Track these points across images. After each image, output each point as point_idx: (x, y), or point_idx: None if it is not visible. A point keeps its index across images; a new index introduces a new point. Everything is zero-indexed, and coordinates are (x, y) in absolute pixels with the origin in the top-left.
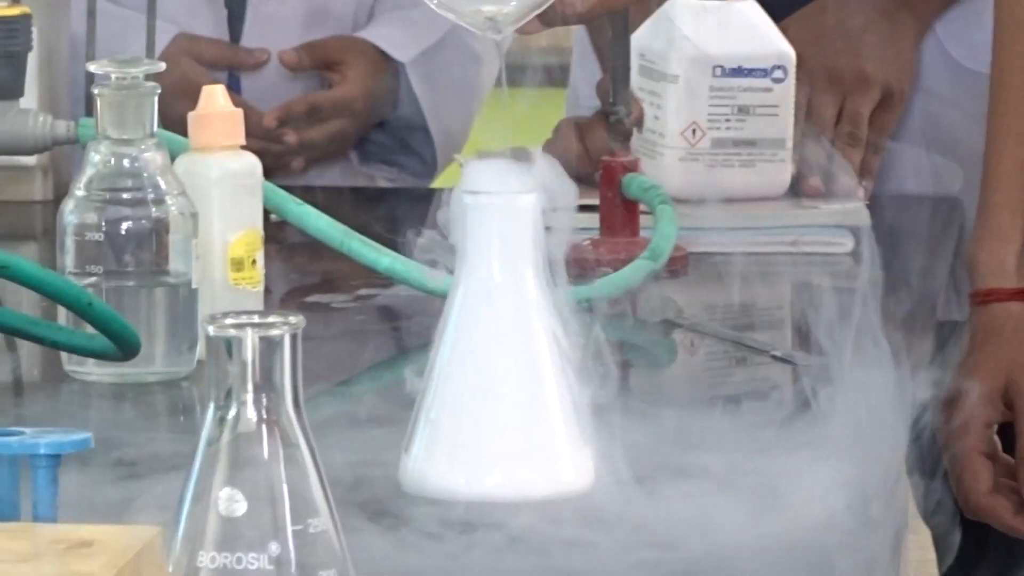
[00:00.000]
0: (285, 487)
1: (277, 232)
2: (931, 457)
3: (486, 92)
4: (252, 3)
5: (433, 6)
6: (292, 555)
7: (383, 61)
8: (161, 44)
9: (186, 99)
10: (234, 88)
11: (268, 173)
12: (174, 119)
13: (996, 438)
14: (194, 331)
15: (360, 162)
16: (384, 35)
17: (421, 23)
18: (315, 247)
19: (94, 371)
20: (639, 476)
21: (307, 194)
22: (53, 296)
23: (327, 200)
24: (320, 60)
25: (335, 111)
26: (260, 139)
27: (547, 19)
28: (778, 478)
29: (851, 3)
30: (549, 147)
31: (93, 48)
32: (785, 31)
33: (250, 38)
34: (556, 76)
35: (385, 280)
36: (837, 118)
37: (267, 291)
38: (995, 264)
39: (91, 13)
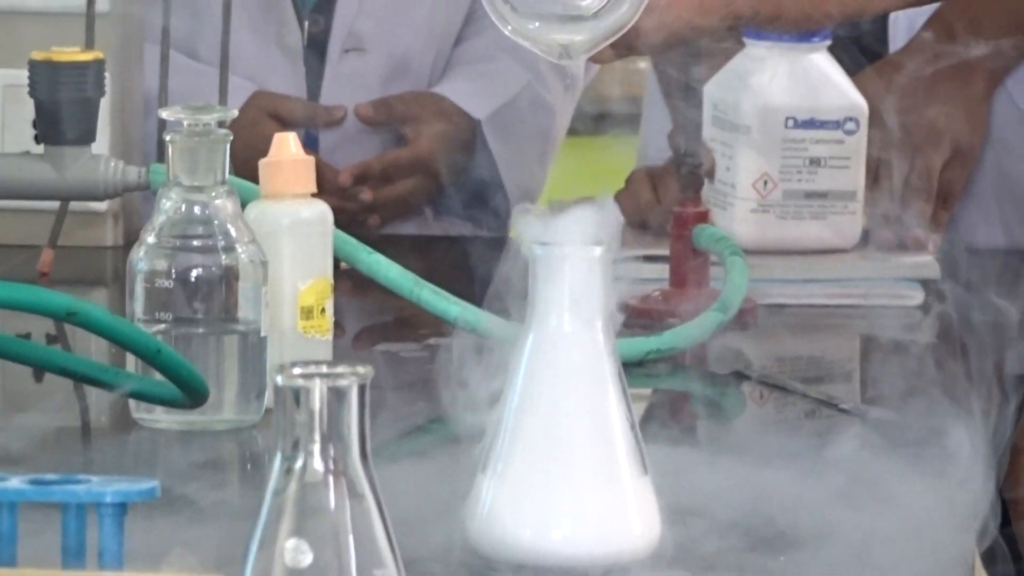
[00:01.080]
0: (351, 538)
1: (348, 280)
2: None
3: (559, 144)
4: (331, 60)
5: (507, 32)
6: None
7: (459, 117)
8: (239, 101)
9: (261, 157)
10: (311, 146)
11: (344, 231)
12: (250, 177)
13: None
14: (263, 379)
15: (435, 217)
16: (460, 90)
17: (497, 77)
18: (386, 295)
19: (162, 418)
20: (704, 533)
21: (378, 243)
22: (122, 343)
23: (398, 248)
24: (396, 115)
25: (411, 169)
26: (336, 197)
27: (619, 49)
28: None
29: (923, 59)
30: (622, 196)
31: (166, 95)
32: (859, 84)
33: (329, 95)
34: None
35: (457, 330)
36: (908, 173)
37: (336, 338)
38: None
39: (164, 58)
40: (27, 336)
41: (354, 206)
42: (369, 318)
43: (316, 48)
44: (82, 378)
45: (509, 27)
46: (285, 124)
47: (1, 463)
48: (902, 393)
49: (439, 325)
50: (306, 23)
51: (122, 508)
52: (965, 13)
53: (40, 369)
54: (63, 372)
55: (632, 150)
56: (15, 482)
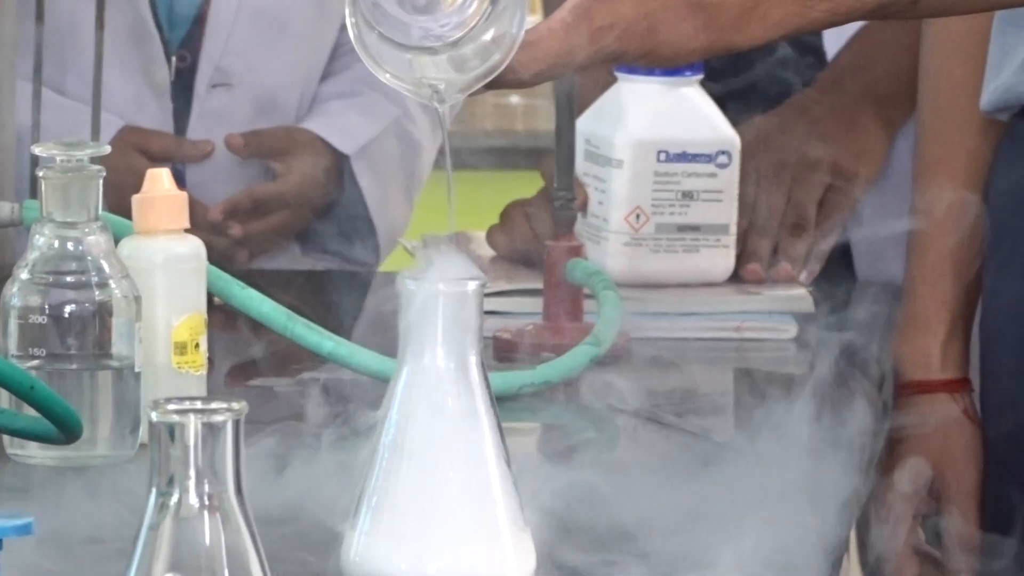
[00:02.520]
0: (227, 573)
1: (221, 315)
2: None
3: (425, 180)
4: (199, 96)
5: (384, 79)
6: None
7: (328, 152)
8: (107, 137)
9: (130, 191)
10: (178, 180)
11: (214, 265)
12: (118, 211)
13: (921, 532)
14: (137, 415)
15: (303, 252)
16: (329, 125)
17: (365, 113)
18: (259, 329)
19: (36, 454)
20: (580, 563)
21: (251, 278)
22: None
23: (271, 283)
24: (265, 149)
25: (279, 203)
26: (206, 232)
27: (492, 84)
28: (710, 561)
29: (815, 100)
30: (496, 230)
31: (39, 133)
32: (753, 126)
33: (196, 131)
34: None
35: (330, 365)
36: (784, 206)
37: (210, 374)
38: (919, 356)
39: (36, 94)
40: None
41: (224, 241)
42: (243, 353)
43: (183, 84)
44: None
45: (386, 74)
46: (153, 159)
47: None
48: (773, 424)
49: (313, 359)
50: (173, 59)
51: None
52: (863, 56)
53: None
54: None
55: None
56: None
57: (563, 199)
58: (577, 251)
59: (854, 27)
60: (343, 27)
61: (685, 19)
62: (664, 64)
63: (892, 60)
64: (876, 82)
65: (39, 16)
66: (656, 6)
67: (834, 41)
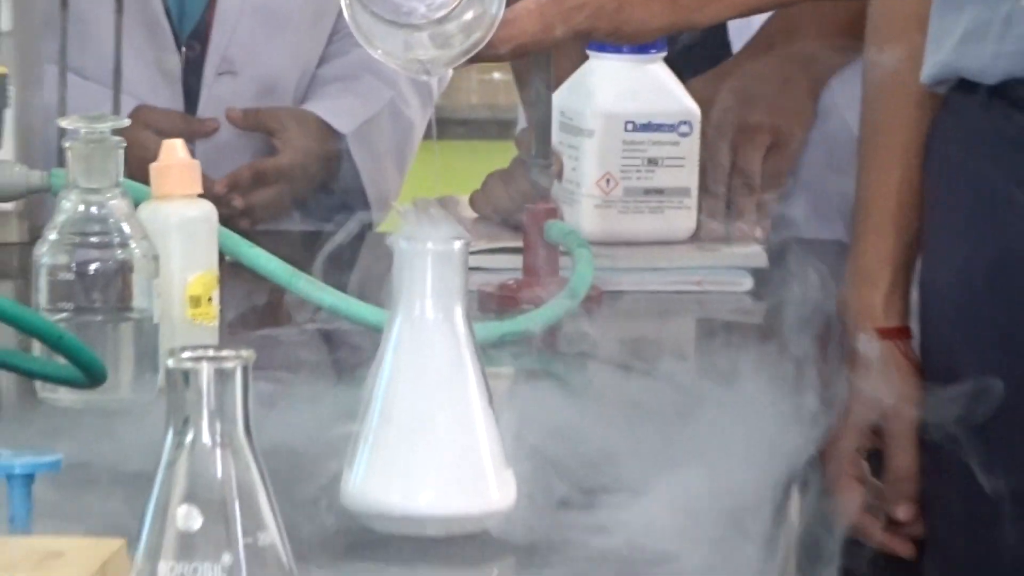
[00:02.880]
0: (237, 504)
1: (231, 271)
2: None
3: (414, 155)
4: (207, 82)
5: (376, 55)
6: (243, 566)
7: (325, 131)
8: (123, 114)
9: (142, 164)
10: (193, 149)
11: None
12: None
13: (865, 464)
14: (156, 362)
15: (301, 220)
16: (327, 108)
17: (361, 95)
18: (265, 284)
19: (65, 397)
20: (558, 495)
21: (257, 237)
22: (27, 330)
23: (276, 243)
24: (263, 125)
25: (278, 176)
26: (210, 200)
27: (474, 58)
28: (667, 499)
29: (746, 65)
30: (478, 195)
31: (64, 107)
32: (693, 88)
33: (204, 113)
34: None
35: (330, 316)
36: (732, 168)
37: (221, 325)
38: (864, 307)
39: (62, 74)
40: None
41: (227, 211)
42: (251, 306)
43: (193, 71)
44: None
45: (378, 51)
46: (163, 135)
47: None
48: (730, 367)
49: (316, 312)
50: (183, 49)
51: (29, 479)
52: (787, 23)
53: None
54: None
55: (489, 153)
56: None
57: (541, 166)
58: (553, 213)
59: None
60: (340, 14)
61: (651, 0)
62: (631, 40)
63: (814, 23)
64: (803, 46)
65: (63, 4)
66: None
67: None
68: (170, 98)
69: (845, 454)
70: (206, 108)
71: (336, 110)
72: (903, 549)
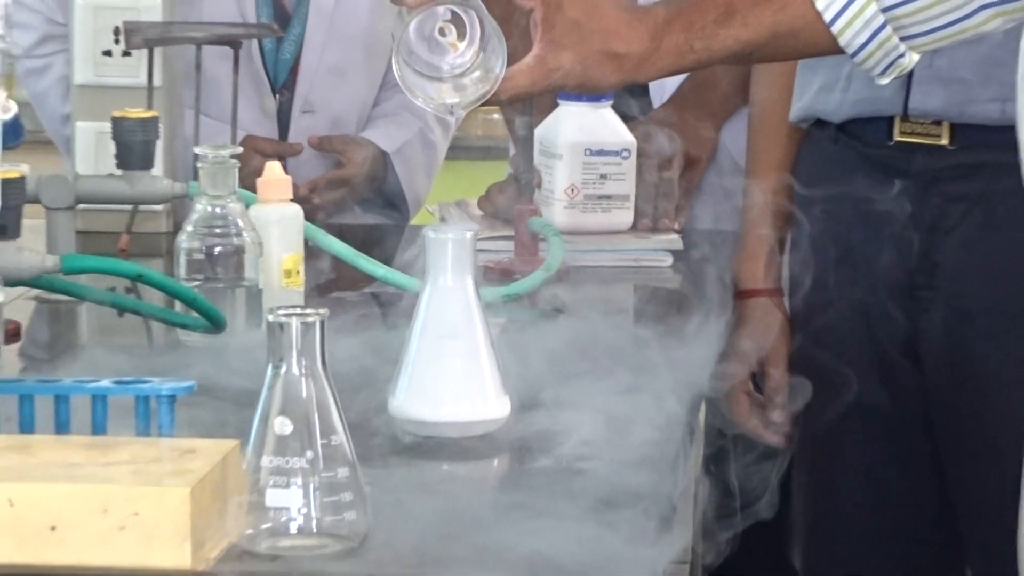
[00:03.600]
0: (316, 416)
1: (312, 252)
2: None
3: (438, 170)
4: (294, 118)
5: (417, 102)
6: (320, 459)
7: (376, 151)
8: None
9: (250, 177)
10: (286, 166)
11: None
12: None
13: (751, 386)
14: (260, 316)
15: (360, 215)
16: (377, 134)
17: (400, 126)
18: (337, 262)
19: (198, 340)
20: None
21: (331, 229)
22: (171, 293)
23: (344, 233)
24: (334, 148)
25: (344, 183)
26: (296, 202)
27: (484, 103)
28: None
29: (669, 111)
30: (483, 199)
31: (197, 139)
32: (631, 129)
33: (292, 140)
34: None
35: (380, 284)
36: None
37: (305, 290)
38: (748, 272)
39: (196, 116)
40: (112, 290)
41: (308, 207)
42: (326, 277)
43: (284, 111)
44: (148, 315)
45: (418, 99)
46: (264, 156)
47: (95, 370)
48: (656, 318)
49: (370, 281)
50: (278, 95)
51: (172, 398)
52: (697, 83)
53: (122, 310)
54: (135, 311)
55: (490, 171)
56: (105, 382)
57: (526, 179)
58: (535, 211)
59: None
60: (387, 72)
61: (605, 65)
62: (592, 92)
63: (716, 83)
64: (708, 98)
65: (197, 66)
66: (586, 56)
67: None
68: (269, 130)
69: (738, 376)
70: (293, 136)
71: (383, 136)
72: (776, 440)
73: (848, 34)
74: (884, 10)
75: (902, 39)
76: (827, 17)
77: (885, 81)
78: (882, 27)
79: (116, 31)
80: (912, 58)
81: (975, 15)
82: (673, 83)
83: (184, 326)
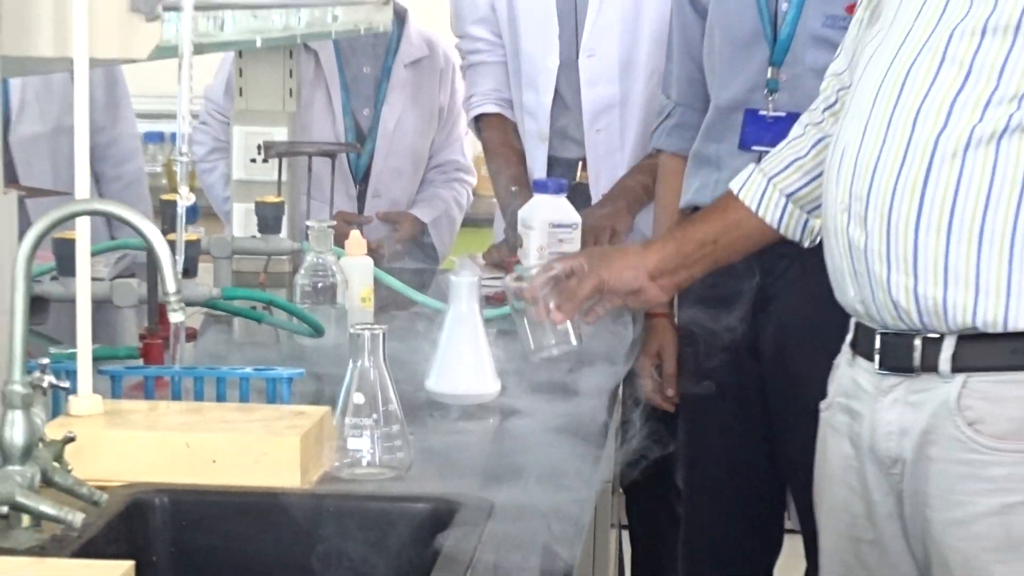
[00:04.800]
0: (379, 392)
1: (378, 286)
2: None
3: (457, 231)
4: (367, 201)
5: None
6: (381, 420)
7: (419, 221)
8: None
9: (341, 239)
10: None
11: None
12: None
13: (654, 369)
14: (346, 327)
15: (409, 261)
16: (419, 211)
17: (434, 206)
18: (392, 293)
19: (306, 342)
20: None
21: (390, 270)
22: (290, 311)
23: (397, 273)
24: (393, 219)
25: (398, 242)
26: (368, 254)
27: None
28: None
29: (605, 204)
30: (486, 254)
31: (308, 214)
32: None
33: (366, 213)
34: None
35: (420, 307)
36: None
37: (375, 312)
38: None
39: (307, 201)
40: (253, 308)
41: (375, 257)
42: (386, 302)
43: (360, 196)
44: (276, 326)
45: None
46: (349, 226)
47: (242, 361)
48: (595, 326)
49: (414, 304)
50: (357, 185)
51: (289, 380)
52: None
53: (259, 322)
54: (268, 323)
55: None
56: (248, 369)
57: (512, 243)
58: (517, 261)
59: (614, 173)
60: (427, 169)
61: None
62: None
63: (633, 188)
64: (631, 198)
65: (309, 169)
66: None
67: (595, 183)
68: (351, 208)
69: (645, 365)
70: (367, 211)
71: (423, 212)
72: (668, 406)
73: (768, 216)
74: (787, 196)
75: (807, 211)
76: (751, 207)
77: (807, 245)
78: (786, 206)
79: (259, 147)
80: (815, 224)
81: None
82: (606, 186)
83: (297, 331)
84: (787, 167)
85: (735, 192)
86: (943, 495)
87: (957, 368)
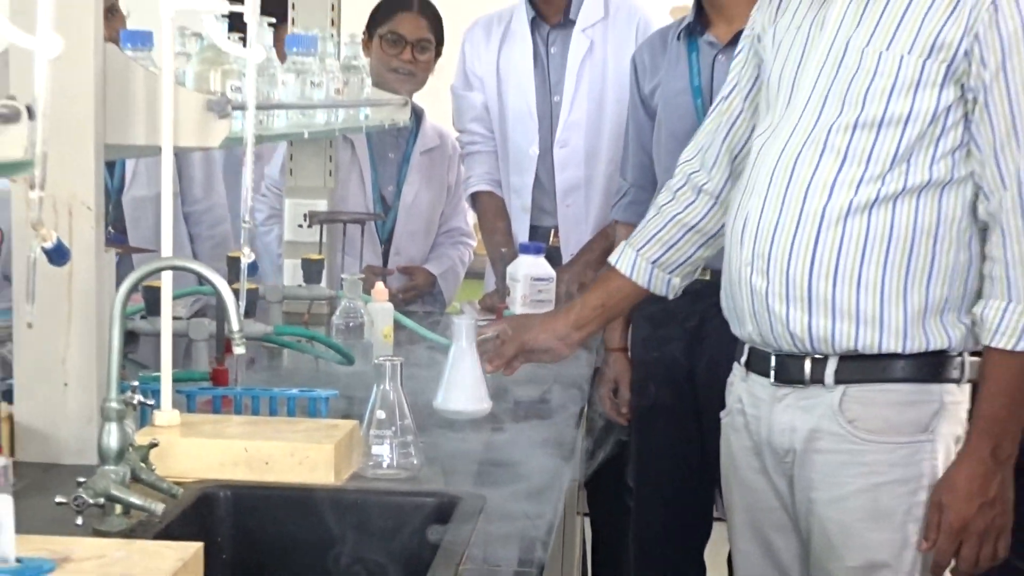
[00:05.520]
0: (396, 408)
1: (398, 326)
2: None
3: (461, 282)
4: (391, 257)
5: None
6: (398, 430)
7: (431, 274)
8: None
9: (368, 287)
10: (385, 282)
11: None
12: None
13: (612, 394)
14: (371, 358)
15: (421, 305)
16: (430, 265)
17: (442, 262)
18: (408, 332)
19: (340, 369)
20: (502, 404)
21: (406, 312)
22: (328, 344)
23: (411, 315)
24: (409, 272)
25: (413, 290)
26: (390, 300)
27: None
28: (544, 404)
29: (574, 265)
30: (482, 301)
31: (342, 268)
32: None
33: (389, 266)
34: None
35: (431, 342)
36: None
37: (394, 346)
38: (611, 338)
39: (342, 256)
40: (299, 341)
41: (395, 303)
42: (402, 339)
43: (384, 253)
44: (316, 355)
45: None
46: (375, 277)
47: (290, 383)
48: (548, 368)
49: (425, 340)
50: (382, 246)
51: (327, 400)
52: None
53: (302, 352)
54: (312, 355)
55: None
56: (294, 391)
57: (502, 292)
58: (506, 307)
59: (580, 239)
60: (438, 234)
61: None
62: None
63: (597, 251)
64: (592, 258)
65: (344, 232)
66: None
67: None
68: (377, 262)
69: (604, 390)
70: (390, 265)
71: (433, 266)
72: (623, 421)
73: (639, 280)
74: (651, 263)
75: (668, 272)
76: (626, 274)
77: (671, 298)
78: (652, 271)
79: (305, 215)
80: (676, 281)
81: (696, 252)
82: (575, 249)
83: (334, 361)
84: (649, 240)
85: (613, 264)
86: (825, 478)
87: (839, 380)
